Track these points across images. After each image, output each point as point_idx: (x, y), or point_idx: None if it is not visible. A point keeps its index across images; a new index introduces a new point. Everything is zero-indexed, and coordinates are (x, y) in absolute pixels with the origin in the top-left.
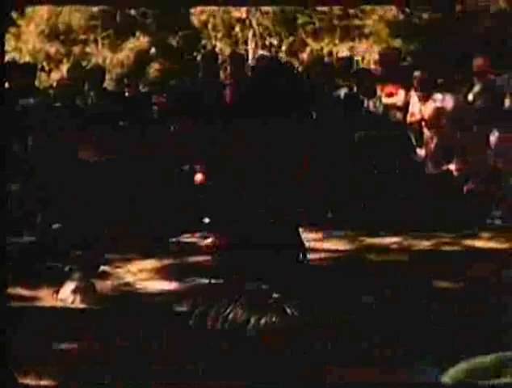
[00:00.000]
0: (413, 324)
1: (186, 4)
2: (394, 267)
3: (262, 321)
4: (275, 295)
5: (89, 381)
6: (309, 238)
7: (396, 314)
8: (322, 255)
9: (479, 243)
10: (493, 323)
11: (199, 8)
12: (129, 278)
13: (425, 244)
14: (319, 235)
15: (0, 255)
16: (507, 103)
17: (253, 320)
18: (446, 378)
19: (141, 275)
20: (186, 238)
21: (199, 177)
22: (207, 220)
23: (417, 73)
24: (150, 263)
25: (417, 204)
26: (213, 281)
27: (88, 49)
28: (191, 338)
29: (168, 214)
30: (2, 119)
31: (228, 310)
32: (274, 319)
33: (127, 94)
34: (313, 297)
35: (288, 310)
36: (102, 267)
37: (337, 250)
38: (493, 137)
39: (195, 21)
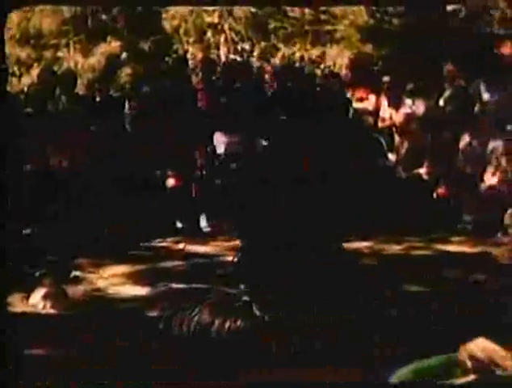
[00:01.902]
0: (386, 327)
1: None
2: (365, 271)
3: (227, 323)
4: (245, 298)
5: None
6: None
7: (368, 317)
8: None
9: (450, 247)
10: (464, 325)
11: (170, 12)
12: (101, 283)
13: (395, 248)
14: None
15: None
16: (477, 108)
17: (217, 322)
18: (394, 378)
19: (113, 280)
20: (159, 243)
21: (171, 181)
22: (179, 224)
23: (387, 78)
24: (122, 268)
25: (388, 209)
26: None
27: (59, 54)
28: (164, 341)
29: (140, 219)
30: None
31: (194, 313)
32: (239, 322)
33: (98, 98)
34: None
35: (258, 313)
36: (73, 273)
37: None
38: (463, 142)
39: (166, 26)
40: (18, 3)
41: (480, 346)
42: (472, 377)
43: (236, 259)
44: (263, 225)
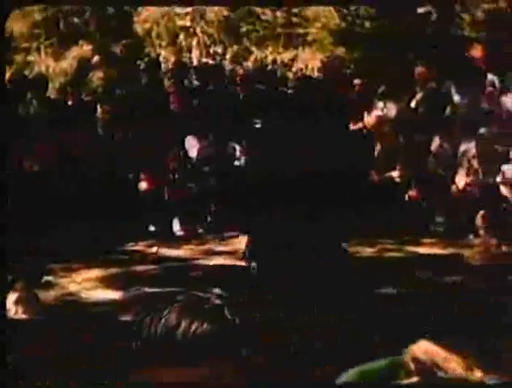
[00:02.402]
0: (359, 328)
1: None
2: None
3: (193, 326)
4: (216, 301)
5: None
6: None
7: (341, 319)
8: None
9: (421, 249)
10: (435, 326)
11: (142, 16)
12: (73, 288)
13: (368, 251)
14: None
15: None
16: (448, 110)
17: (183, 325)
18: (340, 380)
19: (86, 284)
20: (132, 247)
21: (143, 185)
22: (152, 228)
23: (359, 81)
24: (95, 273)
25: (361, 211)
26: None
27: (30, 58)
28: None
29: (113, 223)
30: None
31: (162, 316)
32: (206, 325)
33: (70, 102)
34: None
35: (229, 316)
36: (45, 277)
37: None
38: (435, 144)
39: (138, 29)
40: (18, 3)
41: (423, 348)
42: (414, 379)
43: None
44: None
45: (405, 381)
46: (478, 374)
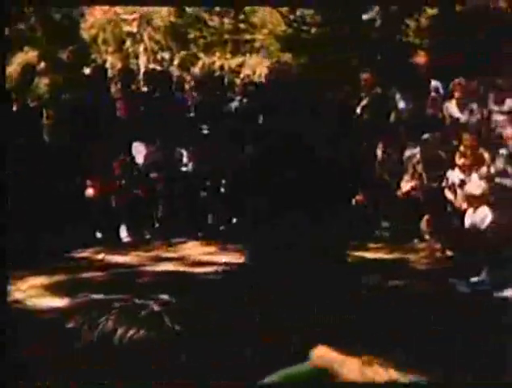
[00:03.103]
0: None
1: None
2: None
3: (130, 332)
4: (155, 308)
5: None
6: (203, 251)
7: (286, 326)
8: (216, 268)
9: (367, 254)
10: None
11: (88, 22)
12: (19, 295)
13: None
14: (213, 248)
15: None
16: (393, 116)
17: (120, 331)
18: (265, 380)
19: (31, 292)
20: (79, 254)
21: (90, 191)
22: (99, 235)
23: (307, 86)
24: (41, 280)
25: (307, 216)
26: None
27: None
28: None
29: (59, 229)
30: None
31: (100, 322)
32: (143, 331)
33: (14, 108)
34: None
35: (168, 323)
36: None
37: (230, 263)
38: (380, 149)
39: (85, 35)
40: (18, 3)
41: (319, 354)
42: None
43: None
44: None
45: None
46: (388, 375)
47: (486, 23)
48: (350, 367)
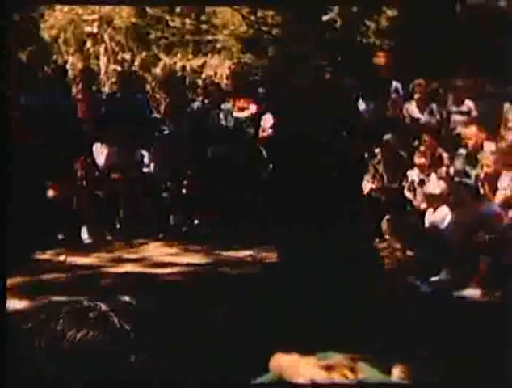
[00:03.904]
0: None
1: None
2: (248, 279)
3: (79, 335)
4: (103, 309)
5: None
6: (165, 252)
7: (250, 326)
8: (178, 269)
9: None
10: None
11: (49, 22)
12: None
13: (275, 256)
14: (174, 250)
15: None
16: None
17: (69, 334)
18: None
19: None
20: (39, 255)
21: (51, 193)
22: (60, 236)
23: (267, 88)
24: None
25: (268, 218)
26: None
27: None
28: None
29: (19, 231)
30: None
31: (49, 325)
32: (92, 333)
33: None
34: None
35: (117, 324)
36: None
37: (192, 264)
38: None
39: (45, 35)
40: (18, 4)
41: (274, 362)
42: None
43: None
44: None
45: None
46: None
47: (448, 23)
48: (303, 371)
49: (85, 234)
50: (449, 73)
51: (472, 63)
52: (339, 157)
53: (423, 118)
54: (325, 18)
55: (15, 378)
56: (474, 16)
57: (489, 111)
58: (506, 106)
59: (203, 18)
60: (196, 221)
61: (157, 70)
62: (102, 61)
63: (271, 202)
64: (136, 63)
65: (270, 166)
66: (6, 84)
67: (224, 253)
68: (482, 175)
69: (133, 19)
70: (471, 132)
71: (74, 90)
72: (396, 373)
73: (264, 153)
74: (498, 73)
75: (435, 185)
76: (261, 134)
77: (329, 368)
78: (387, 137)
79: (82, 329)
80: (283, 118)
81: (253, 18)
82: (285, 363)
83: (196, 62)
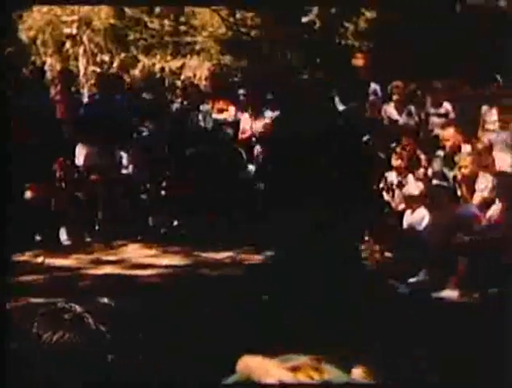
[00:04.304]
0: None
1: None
2: (228, 281)
3: (55, 336)
4: (78, 310)
5: None
6: (144, 253)
7: (230, 326)
8: (157, 270)
9: None
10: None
11: (27, 23)
12: None
13: (256, 258)
14: (153, 251)
15: None
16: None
17: (45, 335)
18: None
19: None
20: (18, 257)
21: (29, 194)
22: (38, 238)
23: (245, 90)
24: None
25: (247, 219)
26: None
27: None
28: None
29: None
30: None
31: (26, 327)
32: (68, 335)
33: None
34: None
35: (93, 325)
36: None
37: (171, 266)
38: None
39: (23, 36)
40: (18, 4)
41: (242, 364)
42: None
43: None
44: None
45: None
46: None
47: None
48: (270, 372)
49: (63, 236)
50: (427, 75)
51: (459, 64)
52: (321, 157)
53: (401, 120)
54: (304, 19)
55: None
56: (474, 16)
57: (467, 113)
58: (484, 108)
59: (182, 19)
60: (175, 223)
61: (136, 72)
62: (81, 62)
63: (250, 203)
64: (115, 64)
65: (250, 167)
66: None
67: (204, 254)
68: (460, 177)
69: (112, 21)
70: (448, 134)
71: (53, 91)
72: (357, 373)
73: (243, 154)
74: (497, 73)
75: (413, 187)
76: (240, 135)
77: (295, 369)
78: (365, 138)
79: (58, 331)
80: (265, 119)
81: (232, 19)
82: (253, 364)
83: (175, 64)
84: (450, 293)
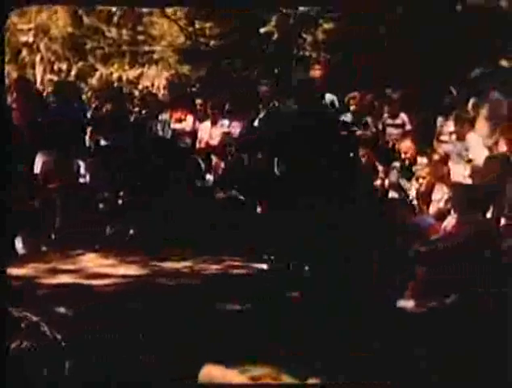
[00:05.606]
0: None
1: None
2: (185, 291)
3: (14, 344)
4: (34, 319)
5: None
6: (101, 263)
7: (186, 337)
8: (114, 280)
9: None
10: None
11: None
12: None
13: (214, 268)
14: (110, 261)
15: None
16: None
17: (13, 345)
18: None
19: None
20: None
21: None
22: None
23: (203, 100)
24: None
25: (206, 229)
26: None
27: None
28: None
29: None
30: None
31: None
32: (26, 343)
33: None
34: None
35: (48, 333)
36: None
37: (128, 276)
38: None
39: None
40: (18, 3)
41: (204, 372)
42: None
43: None
44: None
45: None
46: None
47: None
48: (234, 381)
49: (19, 245)
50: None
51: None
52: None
53: (358, 131)
54: (262, 30)
55: None
56: (474, 16)
57: (423, 123)
58: (440, 119)
59: (140, 28)
60: (132, 232)
61: (94, 80)
62: (38, 70)
63: (210, 213)
64: (73, 73)
65: (208, 176)
66: None
67: (161, 264)
68: (416, 188)
69: (70, 29)
70: (405, 145)
71: (9, 98)
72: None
73: (201, 163)
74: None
75: None
76: (198, 145)
77: (255, 379)
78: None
79: (15, 340)
80: (222, 129)
81: (191, 29)
82: (215, 373)
83: (133, 73)
84: (405, 303)
